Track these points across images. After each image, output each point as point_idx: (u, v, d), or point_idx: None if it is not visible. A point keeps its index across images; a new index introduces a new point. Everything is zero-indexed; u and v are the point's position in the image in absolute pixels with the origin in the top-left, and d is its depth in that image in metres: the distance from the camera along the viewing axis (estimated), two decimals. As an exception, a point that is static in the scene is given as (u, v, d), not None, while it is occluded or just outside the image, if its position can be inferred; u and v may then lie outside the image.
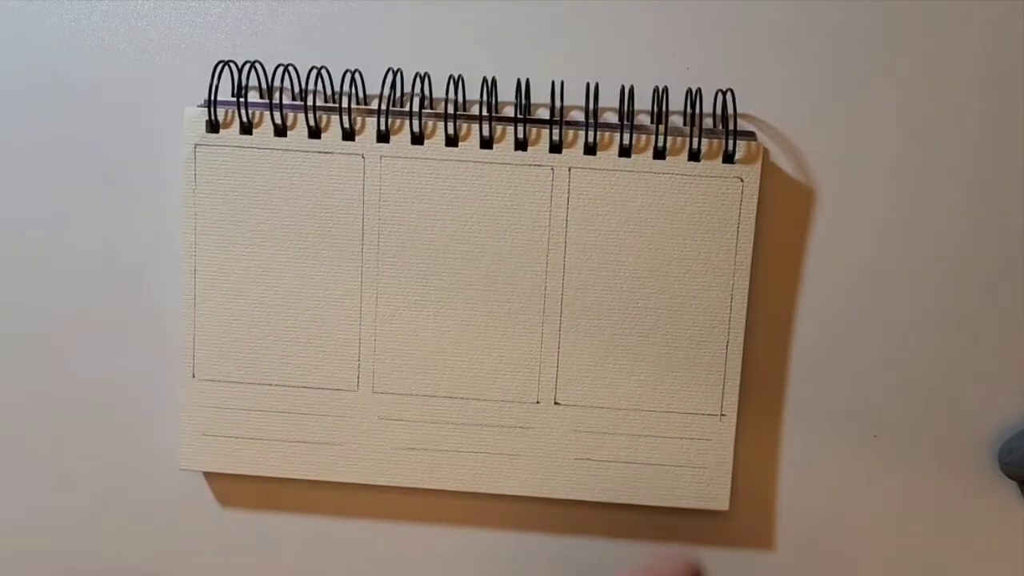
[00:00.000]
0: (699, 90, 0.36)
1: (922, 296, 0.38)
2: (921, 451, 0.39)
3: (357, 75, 0.37)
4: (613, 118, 0.38)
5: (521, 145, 0.37)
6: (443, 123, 0.36)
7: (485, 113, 0.36)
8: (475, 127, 0.37)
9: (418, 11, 0.38)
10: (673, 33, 0.37)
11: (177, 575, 0.41)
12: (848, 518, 0.40)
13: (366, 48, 0.38)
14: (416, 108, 0.37)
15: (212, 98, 0.37)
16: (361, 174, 0.37)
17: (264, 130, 0.37)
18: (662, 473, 0.38)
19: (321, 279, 0.38)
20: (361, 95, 0.38)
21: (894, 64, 0.37)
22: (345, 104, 0.37)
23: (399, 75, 0.37)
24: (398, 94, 0.37)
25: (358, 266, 0.38)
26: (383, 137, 0.37)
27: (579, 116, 0.38)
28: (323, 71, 0.37)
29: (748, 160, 0.36)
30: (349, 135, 0.37)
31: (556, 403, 0.38)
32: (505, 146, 0.37)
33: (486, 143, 0.37)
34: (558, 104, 0.37)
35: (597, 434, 0.38)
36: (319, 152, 0.37)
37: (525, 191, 0.37)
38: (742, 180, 0.36)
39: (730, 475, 0.38)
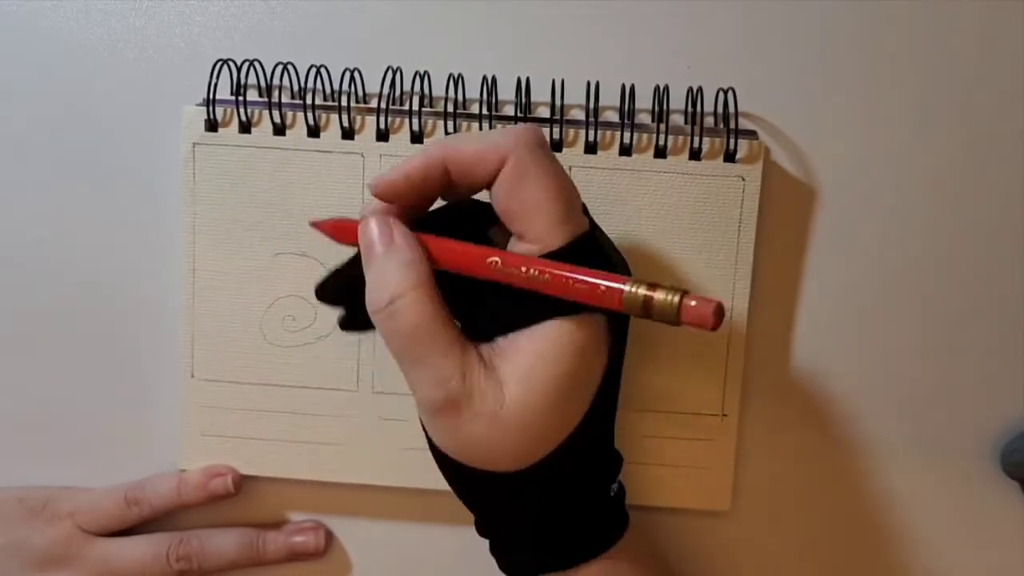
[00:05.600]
0: (700, 89, 0.36)
1: (924, 295, 0.38)
2: (923, 451, 0.39)
3: (356, 73, 0.37)
4: (614, 117, 0.37)
5: (521, 144, 0.36)
6: (443, 122, 0.36)
7: (485, 112, 0.36)
8: (475, 126, 0.36)
9: (417, 9, 0.38)
10: (674, 31, 0.37)
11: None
12: (850, 519, 0.39)
13: (365, 46, 0.38)
14: (416, 107, 0.36)
15: (211, 97, 0.37)
16: (360, 173, 0.37)
17: (263, 129, 0.37)
18: (663, 473, 0.38)
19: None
20: (360, 94, 0.37)
21: (894, 63, 0.37)
22: (344, 103, 0.36)
23: (398, 73, 0.37)
24: (397, 93, 0.37)
25: (357, 265, 0.37)
26: (382, 136, 0.37)
27: (579, 115, 0.37)
28: (322, 70, 0.37)
29: (749, 159, 0.36)
30: (348, 134, 0.37)
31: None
32: (505, 145, 0.36)
33: (486, 142, 0.36)
34: (558, 103, 0.37)
35: (598, 434, 0.38)
36: (318, 151, 0.37)
37: (525, 190, 0.36)
38: (743, 179, 0.36)
39: (732, 475, 0.38)
